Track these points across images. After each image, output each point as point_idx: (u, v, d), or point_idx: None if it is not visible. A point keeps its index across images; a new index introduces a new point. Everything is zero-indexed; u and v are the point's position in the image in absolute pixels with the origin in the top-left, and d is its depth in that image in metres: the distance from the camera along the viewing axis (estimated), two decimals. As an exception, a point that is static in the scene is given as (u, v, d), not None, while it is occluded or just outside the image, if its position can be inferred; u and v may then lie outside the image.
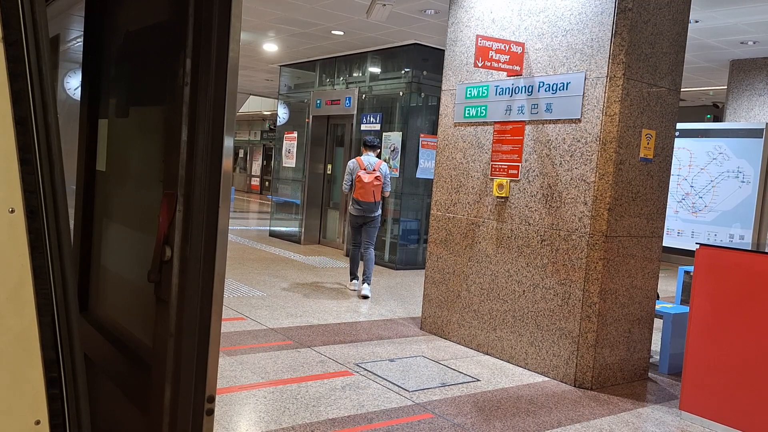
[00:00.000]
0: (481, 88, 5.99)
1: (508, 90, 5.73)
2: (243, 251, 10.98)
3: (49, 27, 1.41)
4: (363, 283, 7.99)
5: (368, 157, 7.96)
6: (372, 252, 8.04)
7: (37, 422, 1.35)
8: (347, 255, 8.91)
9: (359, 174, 7.81)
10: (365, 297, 7.88)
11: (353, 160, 8.05)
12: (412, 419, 4.19)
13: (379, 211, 7.98)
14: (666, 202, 5.45)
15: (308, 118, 12.69)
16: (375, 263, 9.05)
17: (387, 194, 8.12)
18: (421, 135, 10.34)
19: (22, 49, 1.33)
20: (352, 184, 7.90)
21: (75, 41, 12.10)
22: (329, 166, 12.67)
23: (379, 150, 8.26)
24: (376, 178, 7.81)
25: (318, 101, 12.37)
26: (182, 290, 1.84)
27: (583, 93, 5.11)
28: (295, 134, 13.04)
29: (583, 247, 5.07)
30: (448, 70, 6.44)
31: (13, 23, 1.32)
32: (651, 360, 5.80)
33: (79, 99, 2.73)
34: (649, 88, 5.12)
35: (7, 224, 1.31)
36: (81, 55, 2.70)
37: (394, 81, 11.19)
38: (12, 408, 1.32)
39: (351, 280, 8.27)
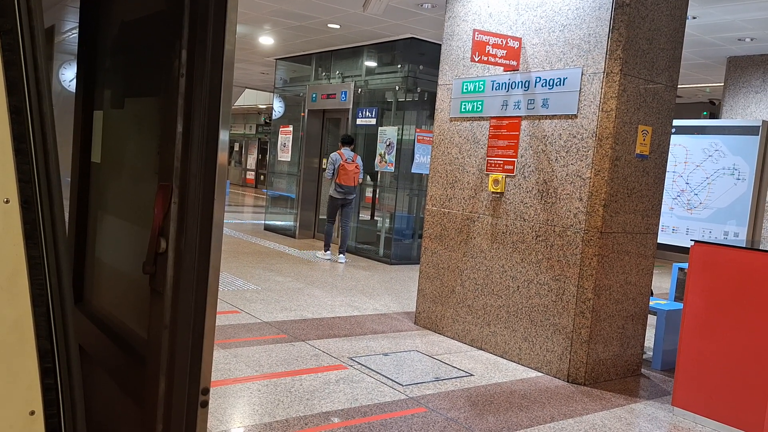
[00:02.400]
0: (477, 83, 5.99)
1: (504, 85, 5.73)
2: (238, 245, 10.97)
3: (44, 17, 1.40)
4: (340, 253, 10.10)
5: (347, 151, 9.96)
6: (348, 228, 10.26)
7: (32, 412, 1.34)
8: (324, 232, 10.79)
9: (343, 164, 9.83)
10: (341, 262, 10.00)
11: (335, 153, 10.02)
12: (405, 413, 4.20)
13: (356, 194, 10.17)
14: (661, 198, 5.46)
15: (304, 112, 12.67)
16: (369, 258, 10.72)
17: (361, 180, 10.40)
18: (417, 130, 10.33)
19: (17, 37, 1.32)
20: (334, 172, 9.86)
21: (70, 32, 12.05)
22: (324, 161, 12.67)
23: (353, 144, 10.24)
24: (356, 167, 9.93)
25: (314, 95, 12.34)
26: (177, 282, 1.84)
27: (580, 89, 5.11)
28: (291, 128, 13.02)
29: (578, 243, 5.08)
30: (445, 64, 6.43)
31: (8, 11, 1.32)
32: (644, 356, 5.82)
33: (74, 91, 2.72)
34: (645, 85, 5.12)
35: (2, 214, 1.30)
36: (76, 47, 2.69)
37: (390, 75, 11.17)
38: (6, 398, 1.31)
39: (325, 251, 10.21)
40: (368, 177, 11.67)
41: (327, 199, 10.37)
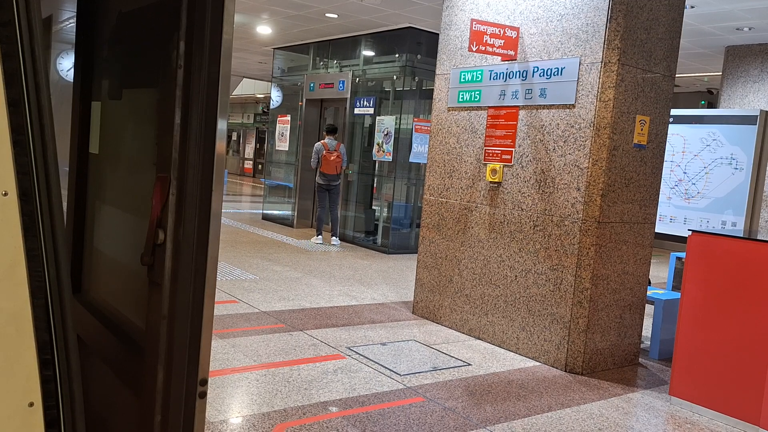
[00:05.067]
0: (475, 73, 5.98)
1: (502, 75, 5.72)
2: (236, 234, 10.97)
3: (41, 7, 1.40)
4: (333, 236, 10.68)
5: (330, 141, 10.41)
6: (337, 212, 10.76)
7: (31, 404, 1.35)
8: (315, 219, 11.49)
9: (324, 154, 10.30)
10: (335, 244, 10.59)
11: (319, 143, 10.47)
12: (403, 403, 4.22)
13: (339, 181, 10.62)
14: (659, 188, 5.47)
15: (302, 101, 12.64)
16: (366, 247, 10.89)
17: (344, 168, 10.81)
18: (415, 119, 10.32)
19: (14, 29, 1.32)
20: (318, 161, 10.35)
21: (68, 22, 12.00)
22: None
23: (336, 133, 10.64)
24: (337, 156, 10.36)
25: (311, 84, 12.31)
26: (175, 273, 1.84)
27: (578, 78, 5.10)
28: (289, 117, 13.00)
29: (576, 232, 5.08)
30: (443, 54, 6.42)
31: (5, 3, 1.31)
32: (642, 346, 5.84)
33: (71, 80, 2.71)
34: (643, 74, 5.11)
35: (0, 207, 1.30)
36: (74, 36, 2.68)
37: (388, 65, 11.15)
38: (5, 390, 1.32)
39: (317, 235, 10.69)
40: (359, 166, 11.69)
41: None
